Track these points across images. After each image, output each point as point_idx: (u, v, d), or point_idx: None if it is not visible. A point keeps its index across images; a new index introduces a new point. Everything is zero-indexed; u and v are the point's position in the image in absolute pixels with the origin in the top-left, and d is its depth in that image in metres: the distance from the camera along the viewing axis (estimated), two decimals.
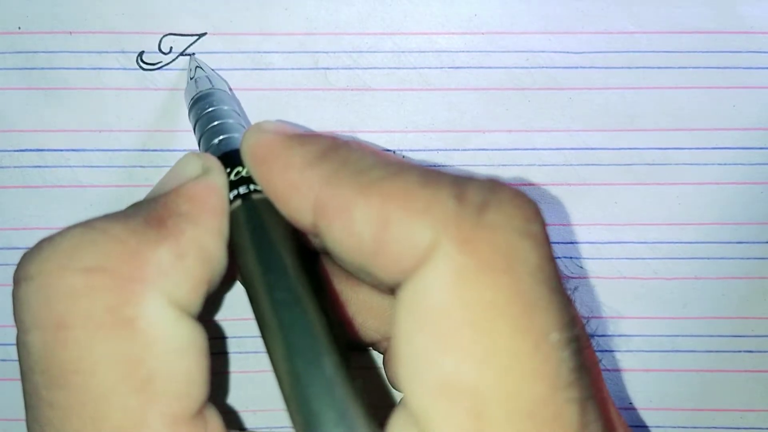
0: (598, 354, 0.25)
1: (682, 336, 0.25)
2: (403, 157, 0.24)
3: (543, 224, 0.14)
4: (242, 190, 0.17)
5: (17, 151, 0.24)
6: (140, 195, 0.24)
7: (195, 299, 0.16)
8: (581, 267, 0.24)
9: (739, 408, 0.25)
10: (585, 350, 0.14)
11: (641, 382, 0.25)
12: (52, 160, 0.24)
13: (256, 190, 0.17)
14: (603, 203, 0.24)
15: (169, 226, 0.15)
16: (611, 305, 0.25)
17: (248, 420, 0.25)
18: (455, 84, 0.24)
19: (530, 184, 0.24)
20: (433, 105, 0.24)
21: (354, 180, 0.15)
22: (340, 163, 0.15)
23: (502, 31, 0.24)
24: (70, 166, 0.24)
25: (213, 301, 0.24)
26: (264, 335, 0.15)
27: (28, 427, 0.15)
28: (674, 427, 0.25)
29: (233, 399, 0.25)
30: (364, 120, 0.24)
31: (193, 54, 0.24)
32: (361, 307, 0.20)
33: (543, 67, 0.24)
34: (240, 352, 0.25)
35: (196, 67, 0.23)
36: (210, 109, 0.20)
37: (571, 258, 0.24)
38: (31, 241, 0.24)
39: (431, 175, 0.15)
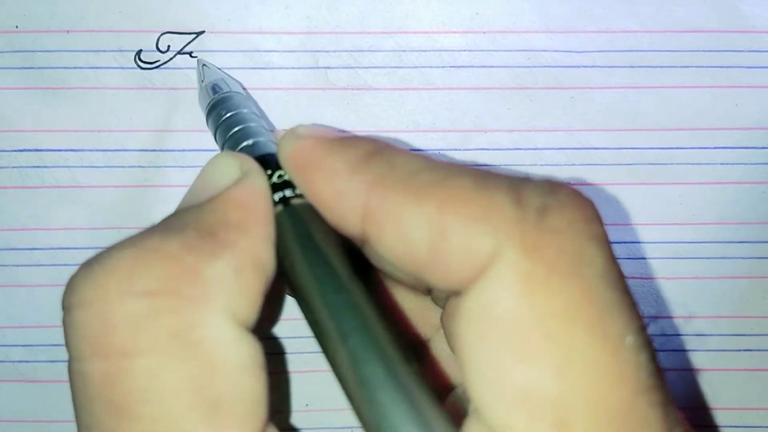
0: None
1: (682, 335, 0.25)
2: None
3: (603, 224, 0.14)
4: (288, 193, 0.16)
5: (15, 151, 0.24)
6: (140, 195, 0.24)
7: (253, 313, 0.15)
8: None
9: (739, 406, 0.25)
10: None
11: None
12: (50, 161, 0.24)
13: (298, 194, 0.16)
14: (603, 203, 0.24)
15: (221, 237, 0.15)
16: None
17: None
18: (457, 83, 0.24)
19: None
20: (434, 104, 0.24)
21: (404, 185, 0.14)
22: (386, 168, 0.15)
23: (504, 30, 0.24)
24: (68, 167, 0.24)
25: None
26: (321, 342, 0.15)
27: None
28: None
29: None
30: (364, 119, 0.24)
31: (197, 56, 0.23)
32: (402, 309, 0.20)
33: (545, 67, 0.24)
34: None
35: (204, 67, 0.22)
36: (232, 113, 0.19)
37: None
38: (31, 242, 0.24)
39: (485, 177, 0.14)
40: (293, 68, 0.24)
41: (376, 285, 0.20)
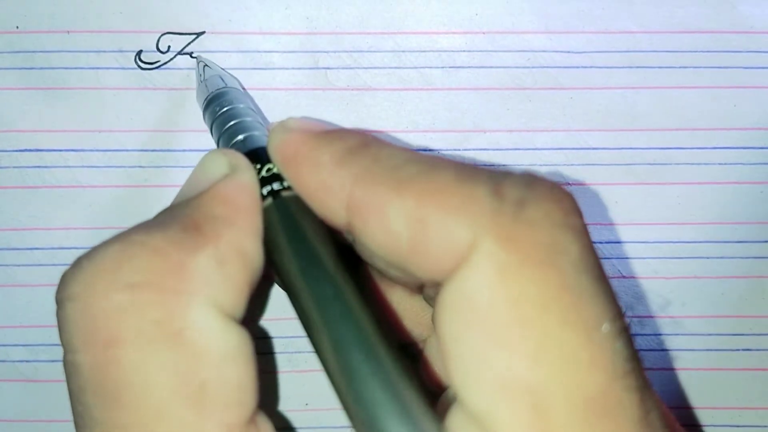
0: None
1: (681, 335, 0.25)
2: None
3: (581, 216, 0.14)
4: (275, 186, 0.17)
5: (16, 151, 0.24)
6: (140, 195, 0.24)
7: (239, 304, 0.15)
8: None
9: (737, 406, 0.25)
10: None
11: None
12: (50, 161, 0.24)
13: (287, 187, 0.17)
14: (603, 203, 0.24)
15: (206, 231, 0.15)
16: None
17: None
18: (456, 84, 0.24)
19: None
20: (433, 105, 0.24)
21: (387, 177, 0.15)
22: (371, 161, 0.15)
23: (503, 30, 0.24)
24: (69, 167, 0.24)
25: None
26: (310, 333, 0.15)
27: None
28: None
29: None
30: (364, 120, 0.24)
31: (196, 54, 0.23)
32: (395, 309, 0.20)
33: (544, 67, 0.24)
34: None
35: (204, 66, 0.22)
36: (227, 108, 0.20)
37: None
38: (31, 242, 0.24)
39: (466, 170, 0.15)
40: (293, 69, 0.24)
41: (368, 282, 0.20)
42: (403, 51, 0.24)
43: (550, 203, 0.14)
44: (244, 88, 0.23)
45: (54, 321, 0.24)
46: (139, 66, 0.23)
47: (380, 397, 0.14)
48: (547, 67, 0.24)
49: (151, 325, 0.14)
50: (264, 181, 0.17)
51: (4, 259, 0.24)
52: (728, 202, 0.24)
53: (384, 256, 0.15)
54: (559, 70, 0.24)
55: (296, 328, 0.24)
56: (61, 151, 0.24)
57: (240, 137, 0.19)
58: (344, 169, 0.15)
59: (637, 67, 0.24)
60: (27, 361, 0.24)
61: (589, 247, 0.14)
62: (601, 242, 0.24)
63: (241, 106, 0.20)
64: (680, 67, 0.24)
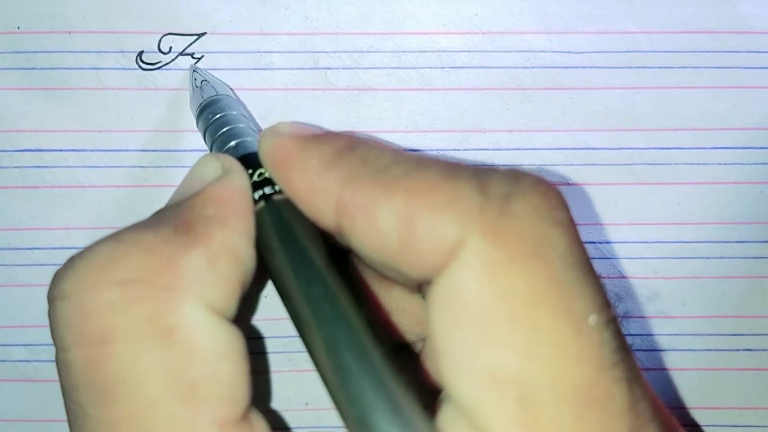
0: None
1: (681, 335, 0.25)
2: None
3: (568, 209, 0.15)
4: (267, 190, 0.17)
5: (17, 151, 0.24)
6: (140, 195, 0.24)
7: (230, 302, 0.15)
8: None
9: (737, 406, 0.25)
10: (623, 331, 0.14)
11: None
12: (51, 161, 0.24)
13: (278, 191, 0.17)
14: (603, 203, 0.24)
15: (197, 230, 0.15)
16: None
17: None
18: (456, 84, 0.24)
19: None
20: (433, 105, 0.24)
21: (374, 178, 0.15)
22: (358, 163, 0.15)
23: (503, 30, 0.24)
24: (69, 167, 0.24)
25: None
26: (302, 333, 0.15)
27: None
28: None
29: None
30: (364, 120, 0.24)
31: (195, 61, 0.23)
32: (394, 309, 0.20)
33: (544, 67, 0.24)
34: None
35: (197, 74, 0.23)
36: (220, 115, 0.20)
37: None
38: (31, 242, 0.24)
39: (452, 168, 0.15)
40: (293, 69, 0.24)
41: (360, 284, 0.20)
42: (403, 51, 0.24)
43: (535, 197, 0.14)
44: (236, 96, 0.23)
45: None
46: (140, 66, 0.24)
47: (372, 396, 0.14)
48: (547, 67, 0.24)
49: (143, 322, 0.14)
50: (256, 186, 0.17)
51: (5, 259, 0.24)
52: (728, 202, 0.24)
53: (374, 256, 0.15)
54: (559, 71, 0.24)
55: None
56: (61, 151, 0.24)
57: (232, 143, 0.19)
58: (332, 171, 0.16)
59: (637, 67, 0.24)
60: (27, 361, 0.24)
61: (576, 241, 0.14)
62: (601, 242, 0.25)
63: (234, 113, 0.20)
64: (680, 68, 0.24)
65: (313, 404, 0.25)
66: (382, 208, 0.15)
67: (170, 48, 0.24)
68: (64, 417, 0.24)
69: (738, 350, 0.25)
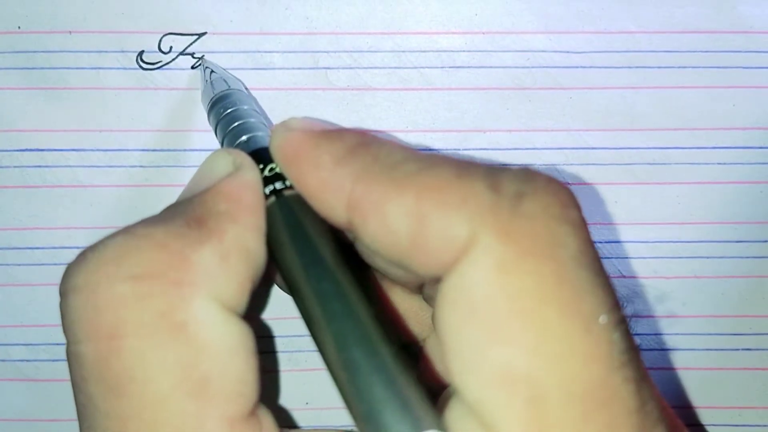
0: None
1: (681, 334, 0.25)
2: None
3: (579, 209, 0.15)
4: (278, 185, 0.17)
5: (17, 151, 0.24)
6: (141, 195, 0.24)
7: (241, 298, 0.15)
8: None
9: (737, 405, 0.25)
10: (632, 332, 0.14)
11: None
12: (52, 160, 0.24)
13: (289, 186, 0.17)
14: (603, 203, 0.24)
15: (210, 226, 0.15)
16: None
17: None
18: (456, 84, 0.24)
19: None
20: (433, 105, 0.24)
21: (386, 175, 0.15)
22: (370, 159, 0.15)
23: (503, 30, 0.24)
24: (70, 166, 0.24)
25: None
26: (311, 329, 0.15)
27: None
28: None
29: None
30: (364, 120, 0.24)
31: (203, 56, 0.24)
32: (396, 309, 0.20)
33: (543, 67, 0.24)
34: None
35: (209, 68, 0.23)
36: (231, 109, 0.20)
37: None
38: (32, 241, 0.24)
39: (464, 167, 0.15)
40: (293, 69, 0.24)
41: (370, 280, 0.20)
42: (403, 51, 0.24)
43: (547, 197, 0.14)
44: (248, 90, 0.23)
45: (55, 320, 0.24)
46: (140, 66, 0.24)
47: (381, 392, 0.14)
48: (547, 67, 0.24)
49: (154, 316, 0.14)
50: (267, 181, 0.17)
51: (5, 259, 0.24)
52: (728, 202, 0.24)
53: (384, 253, 0.15)
54: (559, 70, 0.24)
55: (296, 326, 0.24)
56: (62, 150, 0.24)
57: (243, 138, 0.19)
58: (344, 167, 0.16)
59: (637, 67, 0.24)
60: (28, 361, 0.24)
61: (587, 240, 0.14)
62: (601, 242, 0.25)
63: (245, 107, 0.20)
64: (680, 67, 0.24)
65: (313, 404, 0.25)
66: (393, 205, 0.15)
67: (170, 48, 0.24)
68: (65, 416, 0.25)
69: (738, 350, 0.25)
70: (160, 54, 0.24)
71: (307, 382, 0.25)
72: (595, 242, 0.24)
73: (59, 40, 0.23)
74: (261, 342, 0.24)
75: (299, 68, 0.24)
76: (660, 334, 0.25)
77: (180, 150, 0.24)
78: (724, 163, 0.24)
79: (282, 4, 0.24)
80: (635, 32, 0.24)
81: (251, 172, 0.17)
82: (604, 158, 0.24)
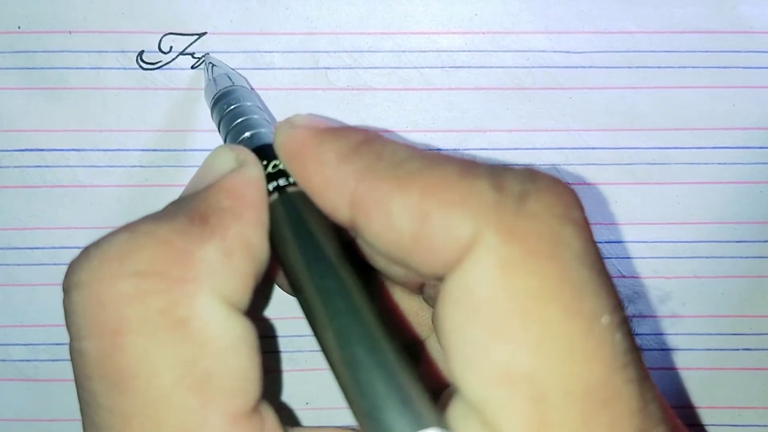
0: None
1: (681, 334, 0.25)
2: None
3: (582, 209, 0.15)
4: (281, 182, 0.17)
5: (17, 150, 0.24)
6: (141, 195, 0.24)
7: (244, 295, 0.15)
8: None
9: (737, 405, 0.25)
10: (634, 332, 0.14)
11: None
12: (52, 160, 0.24)
13: (292, 183, 0.17)
14: (603, 203, 0.24)
15: (213, 223, 0.15)
16: None
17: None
18: (456, 83, 0.24)
19: None
20: (433, 104, 0.24)
21: (390, 173, 0.15)
22: (374, 157, 0.15)
23: (503, 30, 0.24)
24: (70, 166, 0.24)
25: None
26: (314, 326, 0.15)
27: None
28: None
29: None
30: (364, 120, 0.24)
31: (208, 53, 0.24)
32: (397, 308, 0.20)
33: (543, 67, 0.24)
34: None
35: (212, 65, 0.23)
36: (235, 106, 0.20)
37: None
38: (32, 241, 0.24)
39: (468, 166, 0.15)
40: (293, 69, 0.24)
41: (373, 278, 0.20)
42: (403, 51, 0.24)
43: (551, 197, 0.14)
44: (251, 87, 0.23)
45: (55, 320, 0.24)
46: (140, 66, 0.24)
47: (383, 389, 0.14)
48: (547, 67, 0.24)
49: (157, 313, 0.14)
50: (270, 177, 0.17)
51: (5, 259, 0.24)
52: (728, 202, 0.24)
53: (387, 251, 0.15)
54: (559, 70, 0.24)
55: (296, 326, 0.24)
56: (62, 150, 0.24)
57: (247, 134, 0.19)
58: (348, 165, 0.16)
59: (637, 67, 0.24)
60: (28, 361, 0.24)
61: (590, 240, 0.14)
62: (601, 242, 0.25)
63: (249, 104, 0.20)
64: (680, 67, 0.24)
65: (313, 404, 0.25)
66: (397, 203, 0.15)
67: (170, 48, 0.24)
68: (65, 416, 0.25)
69: (738, 350, 0.25)
70: (160, 54, 0.24)
71: (308, 382, 0.25)
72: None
73: (59, 40, 0.23)
74: (261, 342, 0.24)
75: (299, 68, 0.24)
76: (659, 334, 0.25)
77: (180, 150, 0.24)
78: (724, 163, 0.24)
79: (282, 4, 0.24)
80: (635, 32, 0.24)
81: (254, 169, 0.17)
82: (604, 158, 0.24)
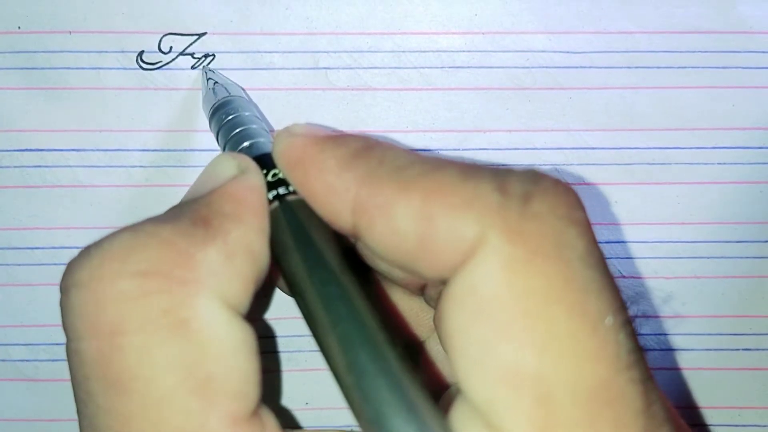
0: None
1: (681, 334, 0.25)
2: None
3: (584, 210, 0.15)
4: (281, 191, 0.17)
5: (17, 151, 0.24)
6: (141, 195, 0.24)
7: (245, 298, 0.15)
8: None
9: (737, 405, 0.25)
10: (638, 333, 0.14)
11: None
12: (52, 160, 0.24)
13: (292, 191, 0.17)
14: (603, 203, 0.24)
15: (215, 226, 0.15)
16: None
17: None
18: (456, 84, 0.24)
19: None
20: (433, 105, 0.24)
21: (392, 178, 0.15)
22: (376, 163, 0.15)
23: (503, 30, 0.24)
24: (70, 166, 0.24)
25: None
26: (316, 333, 0.15)
27: None
28: None
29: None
30: (364, 120, 0.24)
31: (196, 61, 0.24)
32: (398, 311, 0.20)
33: (543, 67, 0.24)
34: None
35: (210, 75, 0.23)
36: (233, 116, 0.20)
37: None
38: (32, 241, 0.24)
39: (470, 168, 0.15)
40: (293, 69, 0.24)
41: (373, 283, 0.20)
42: (403, 51, 0.24)
43: (554, 198, 0.14)
44: (249, 97, 0.23)
45: (55, 320, 0.24)
46: (140, 66, 0.24)
47: (386, 395, 0.14)
48: (547, 67, 0.24)
49: (158, 314, 0.14)
50: (270, 186, 0.17)
51: (5, 259, 0.24)
52: (728, 202, 0.24)
53: (390, 256, 0.15)
54: (559, 70, 0.24)
55: (296, 327, 0.24)
56: (62, 150, 0.24)
57: (246, 144, 0.19)
58: (349, 171, 0.16)
59: (637, 67, 0.24)
60: (27, 361, 0.24)
61: (593, 241, 0.14)
62: (600, 242, 0.25)
63: (247, 114, 0.20)
64: (679, 68, 0.24)
65: (313, 404, 0.25)
66: (400, 208, 0.15)
67: (170, 48, 0.24)
68: (65, 416, 0.25)
69: (738, 350, 0.25)
70: (160, 54, 0.24)
71: (307, 383, 0.25)
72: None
73: (59, 40, 0.23)
74: (261, 342, 0.24)
75: (299, 68, 0.24)
76: (660, 335, 0.25)
77: (180, 150, 0.24)
78: (724, 163, 0.24)
79: (282, 4, 0.24)
80: (635, 32, 0.24)
81: (256, 176, 0.17)
82: (604, 158, 0.24)
